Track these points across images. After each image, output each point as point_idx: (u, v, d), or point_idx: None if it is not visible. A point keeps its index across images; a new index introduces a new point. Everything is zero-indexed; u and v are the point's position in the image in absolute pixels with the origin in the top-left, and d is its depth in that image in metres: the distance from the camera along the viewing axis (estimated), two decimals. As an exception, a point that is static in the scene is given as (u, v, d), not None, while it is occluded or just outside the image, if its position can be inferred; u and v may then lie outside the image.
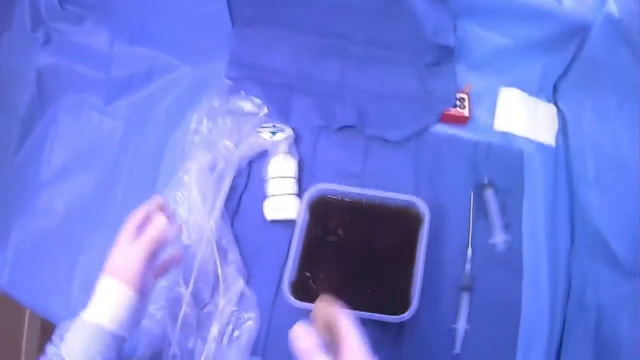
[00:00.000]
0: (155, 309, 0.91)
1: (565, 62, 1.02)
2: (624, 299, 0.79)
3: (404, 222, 0.89)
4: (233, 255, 0.94)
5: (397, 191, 0.91)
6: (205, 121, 1.04)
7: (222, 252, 0.93)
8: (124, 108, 1.16)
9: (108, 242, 1.00)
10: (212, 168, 0.99)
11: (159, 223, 0.75)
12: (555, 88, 1.08)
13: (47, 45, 1.17)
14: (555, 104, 1.07)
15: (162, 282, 0.91)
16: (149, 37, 1.18)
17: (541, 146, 1.02)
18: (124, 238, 0.74)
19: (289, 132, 1.01)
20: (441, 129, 1.04)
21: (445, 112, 1.03)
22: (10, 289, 1.06)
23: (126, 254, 0.73)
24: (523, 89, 1.07)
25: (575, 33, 0.97)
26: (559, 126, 1.04)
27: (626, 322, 0.77)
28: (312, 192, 0.91)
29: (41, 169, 1.13)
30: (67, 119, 1.16)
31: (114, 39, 1.19)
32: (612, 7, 0.84)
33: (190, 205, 0.95)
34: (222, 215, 0.96)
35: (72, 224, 1.07)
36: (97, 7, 1.16)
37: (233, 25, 1.14)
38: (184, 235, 0.94)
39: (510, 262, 0.93)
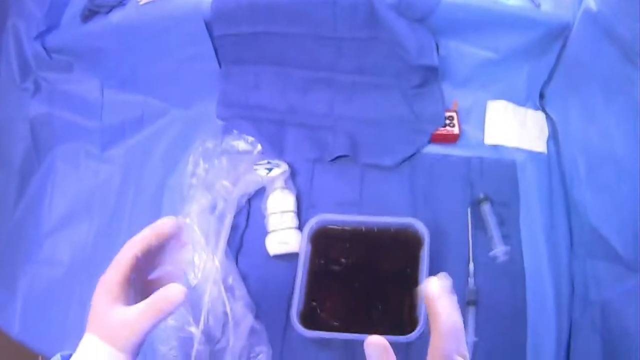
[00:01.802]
0: (167, 349, 0.94)
1: (549, 66, 1.06)
2: (629, 293, 0.81)
3: (404, 244, 0.94)
4: (240, 291, 0.97)
5: (396, 214, 0.97)
6: (201, 163, 1.08)
7: (229, 289, 0.97)
8: (119, 154, 1.21)
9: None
10: (213, 209, 1.03)
11: (174, 294, 0.59)
12: (541, 95, 1.11)
13: (38, 94, 1.20)
14: (544, 110, 1.10)
15: (172, 322, 0.94)
16: (138, 82, 1.23)
17: (533, 154, 1.06)
18: (116, 288, 0.59)
19: (284, 167, 1.06)
20: (433, 149, 1.09)
21: (436, 133, 1.07)
22: (22, 337, 1.09)
23: (126, 321, 0.58)
24: (510, 100, 1.11)
25: (556, 35, 1.01)
26: (549, 132, 1.08)
27: (633, 315, 0.79)
28: (312, 224, 0.95)
29: (42, 218, 1.17)
30: (64, 168, 1.21)
31: (103, 86, 1.24)
32: (590, 2, 0.86)
33: (194, 246, 0.99)
34: (226, 254, 1.00)
35: (78, 272, 1.11)
36: (85, 55, 1.21)
37: (220, 65, 1.19)
38: (191, 276, 0.97)
39: (512, 271, 0.96)
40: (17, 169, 1.17)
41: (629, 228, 0.80)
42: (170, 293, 0.60)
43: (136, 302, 0.60)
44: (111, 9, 1.17)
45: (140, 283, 0.65)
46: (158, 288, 0.61)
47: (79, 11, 1.21)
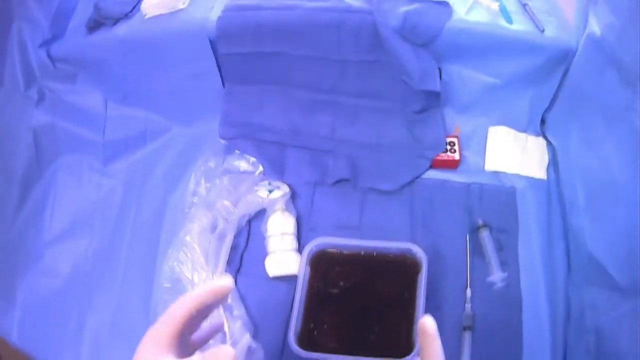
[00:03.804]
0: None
1: (551, 92, 1.06)
2: (623, 318, 0.82)
3: (402, 269, 0.94)
4: (238, 311, 0.98)
5: (395, 239, 0.97)
6: (202, 182, 1.10)
7: (227, 308, 0.97)
8: (121, 169, 1.22)
9: (115, 303, 1.07)
10: (213, 228, 1.04)
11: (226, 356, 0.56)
12: (543, 120, 1.12)
13: (41, 104, 1.20)
14: (544, 137, 1.11)
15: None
16: (141, 97, 1.24)
17: (533, 181, 1.06)
18: (167, 340, 0.57)
19: (285, 189, 1.07)
20: (433, 174, 1.09)
21: (436, 158, 1.08)
22: (20, 345, 1.09)
23: None
24: (511, 125, 1.12)
25: (560, 61, 1.01)
26: (549, 159, 1.08)
27: (626, 340, 0.80)
28: (311, 247, 0.96)
29: (43, 229, 1.18)
30: (66, 179, 1.22)
31: (107, 99, 1.25)
32: (594, 27, 0.87)
33: (194, 264, 1.00)
34: (225, 273, 1.01)
35: (77, 284, 1.11)
36: (89, 67, 1.21)
37: (223, 84, 1.20)
38: (190, 294, 0.99)
39: (509, 297, 0.96)
40: (19, 177, 1.17)
41: (625, 254, 0.81)
42: (222, 354, 0.56)
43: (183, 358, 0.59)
44: (117, 21, 1.18)
45: (186, 340, 0.64)
46: (197, 346, 0.67)
47: (84, 21, 1.21)
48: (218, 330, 0.75)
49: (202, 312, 0.63)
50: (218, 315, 0.91)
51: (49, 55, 1.19)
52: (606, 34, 0.83)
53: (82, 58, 1.20)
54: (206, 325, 0.72)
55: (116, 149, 1.24)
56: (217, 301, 0.63)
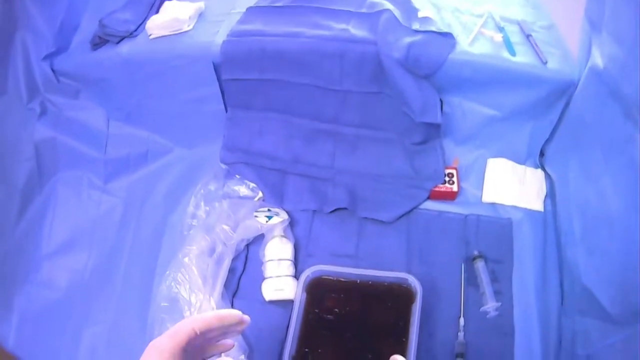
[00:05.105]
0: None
1: (552, 124, 1.08)
2: (614, 348, 0.84)
3: (397, 298, 0.96)
4: (234, 333, 1.01)
5: (391, 268, 0.99)
6: (202, 205, 1.12)
7: (223, 329, 1.00)
8: (122, 188, 1.24)
9: (112, 318, 1.08)
10: (212, 251, 1.06)
11: None
12: (542, 152, 1.14)
13: (44, 117, 1.22)
14: (543, 169, 1.13)
15: None
16: (143, 117, 1.26)
17: (530, 213, 1.08)
18: (168, 355, 0.63)
19: (284, 215, 1.09)
20: (430, 205, 1.11)
21: (435, 189, 1.10)
22: (16, 352, 1.11)
23: None
24: (511, 157, 1.14)
25: (562, 93, 1.03)
26: (547, 191, 1.10)
27: None
28: (308, 273, 0.98)
29: (42, 241, 1.20)
30: (66, 194, 1.24)
31: (109, 117, 1.27)
32: (597, 59, 0.88)
33: (191, 285, 1.02)
34: (222, 296, 1.02)
35: (74, 299, 1.13)
36: (92, 83, 1.24)
37: (226, 109, 1.22)
38: (187, 314, 1.00)
39: (502, 326, 0.98)
40: (20, 189, 1.19)
41: (618, 287, 0.83)
42: None
43: None
44: (121, 39, 1.21)
45: (188, 356, 0.68)
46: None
47: (89, 36, 1.24)
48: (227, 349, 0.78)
49: (206, 333, 0.69)
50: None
51: (52, 69, 1.21)
52: (609, 65, 0.84)
53: (86, 74, 1.22)
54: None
55: (117, 167, 1.26)
56: (223, 327, 0.70)
